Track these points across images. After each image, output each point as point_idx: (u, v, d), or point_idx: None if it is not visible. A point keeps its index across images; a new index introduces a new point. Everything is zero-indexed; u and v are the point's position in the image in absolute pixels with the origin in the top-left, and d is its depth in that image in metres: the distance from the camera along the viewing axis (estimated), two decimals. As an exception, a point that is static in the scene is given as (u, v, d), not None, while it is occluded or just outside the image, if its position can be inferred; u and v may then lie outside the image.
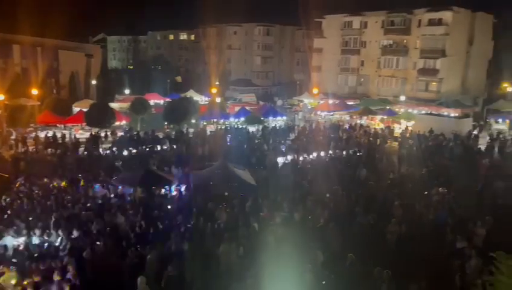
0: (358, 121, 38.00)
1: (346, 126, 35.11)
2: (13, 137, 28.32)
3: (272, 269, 9.64)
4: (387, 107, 40.63)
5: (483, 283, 4.14)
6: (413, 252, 11.41)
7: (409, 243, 12.00)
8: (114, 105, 37.93)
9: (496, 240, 10.71)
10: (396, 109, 40.59)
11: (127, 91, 55.31)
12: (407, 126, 34.06)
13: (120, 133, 29.56)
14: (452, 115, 37.21)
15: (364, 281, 9.43)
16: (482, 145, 27.87)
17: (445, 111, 38.60)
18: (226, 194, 15.40)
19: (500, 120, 37.26)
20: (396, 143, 28.62)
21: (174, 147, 25.81)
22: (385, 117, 38.06)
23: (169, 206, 14.88)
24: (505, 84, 57.42)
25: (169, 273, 9.95)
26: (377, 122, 37.86)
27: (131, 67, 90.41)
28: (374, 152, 24.14)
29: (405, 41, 49.93)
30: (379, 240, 12.34)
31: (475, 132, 31.46)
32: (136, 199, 15.84)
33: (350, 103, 45.17)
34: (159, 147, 25.77)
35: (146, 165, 19.25)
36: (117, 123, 30.97)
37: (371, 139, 28.97)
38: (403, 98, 43.01)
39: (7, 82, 37.37)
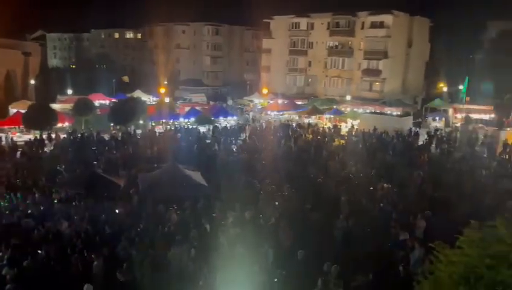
0: (307, 121, 38.88)
1: (294, 125, 35.77)
2: None
3: (225, 270, 9.62)
4: (334, 107, 41.91)
5: (423, 272, 4.37)
6: (360, 246, 11.85)
7: (356, 238, 12.44)
8: (56, 106, 36.07)
9: (434, 231, 11.39)
10: (343, 108, 41.98)
11: (69, 91, 52.80)
12: (353, 125, 35.32)
13: (63, 136, 28.20)
14: (394, 113, 39.19)
15: (315, 277, 9.65)
16: (422, 141, 29.54)
17: (388, 110, 40.59)
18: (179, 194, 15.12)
19: (437, 118, 39.69)
20: (343, 141, 29.59)
21: (121, 148, 24.99)
22: (332, 116, 39.23)
23: (117, 210, 14.38)
24: (441, 84, 61.31)
25: (118, 279, 9.64)
26: (324, 122, 38.93)
27: (74, 66, 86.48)
28: (321, 150, 24.77)
29: (350, 42, 51.78)
30: (328, 236, 12.70)
31: (415, 129, 33.24)
32: (81, 203, 15.16)
33: (299, 102, 46.13)
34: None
35: (91, 168, 18.53)
36: (59, 125, 29.48)
37: (319, 137, 29.73)
38: (348, 97, 44.60)
39: None
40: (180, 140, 27.76)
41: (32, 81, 51.82)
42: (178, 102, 48.32)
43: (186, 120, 34.54)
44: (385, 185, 16.86)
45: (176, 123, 34.53)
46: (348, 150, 25.90)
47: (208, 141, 27.76)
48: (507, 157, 25.04)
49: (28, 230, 12.46)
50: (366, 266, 10.30)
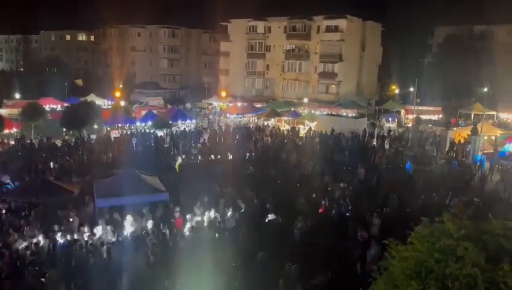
0: (266, 123, 39.16)
1: (253, 128, 35.93)
2: None
3: (185, 275, 9.49)
4: (292, 109, 42.46)
5: (378, 268, 4.51)
6: (319, 246, 12.06)
7: (315, 237, 12.66)
8: (2, 111, 34.19)
9: (389, 228, 11.81)
10: (300, 111, 42.63)
11: (17, 95, 50.15)
12: (310, 127, 35.94)
13: (11, 142, 26.75)
14: (350, 115, 40.29)
15: (276, 278, 9.72)
16: (375, 142, 30.57)
17: (343, 112, 41.67)
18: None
19: (390, 119, 41.20)
20: (301, 143, 30.02)
21: (75, 154, 24.05)
22: (290, 118, 39.74)
23: (70, 219, 13.80)
24: (393, 87, 63.87)
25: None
26: (283, 124, 39.38)
27: (22, 69, 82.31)
28: (280, 152, 25.04)
29: (306, 46, 52.76)
30: (288, 237, 12.84)
31: (369, 130, 34.33)
32: (31, 213, 14.43)
33: (258, 105, 46.34)
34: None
35: (42, 175, 17.68)
36: (6, 131, 27.91)
37: (277, 140, 30.03)
38: (306, 100, 45.38)
39: None
40: (137, 145, 27.11)
41: (-24, 85, 48.82)
42: (134, 106, 47.13)
43: (143, 124, 33.73)
44: (342, 185, 17.28)
45: (132, 127, 33.65)
46: (306, 151, 26.33)
47: (166, 145, 27.30)
48: (453, 155, 26.43)
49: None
50: (325, 265, 10.50)
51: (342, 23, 49.60)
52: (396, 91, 62.37)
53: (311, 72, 52.48)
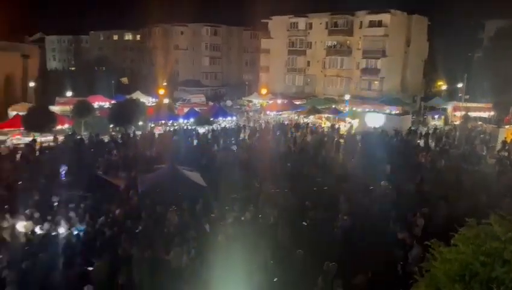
0: (306, 120, 38.93)
1: (294, 125, 35.81)
2: None
3: (224, 270, 9.65)
4: (333, 106, 41.95)
5: (420, 270, 4.41)
6: (360, 245, 11.88)
7: (356, 236, 12.47)
8: (55, 108, 36.09)
9: (433, 229, 11.43)
10: (342, 108, 42.03)
11: (69, 93, 52.80)
12: (351, 124, 35.34)
13: (62, 138, 28.21)
14: (393, 112, 39.20)
15: (314, 276, 9.68)
16: (420, 140, 29.57)
17: (386, 109, 40.60)
18: (179, 194, 15.12)
19: (436, 116, 39.73)
20: (342, 140, 29.61)
21: (121, 150, 25.01)
22: (331, 116, 39.27)
23: (117, 211, 14.40)
24: (440, 83, 61.35)
25: (118, 280, 9.67)
26: (323, 121, 38.98)
27: (73, 68, 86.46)
28: (320, 150, 24.81)
29: (348, 42, 51.85)
30: (327, 235, 12.72)
31: (414, 128, 33.27)
32: (80, 205, 15.18)
33: (298, 102, 46.17)
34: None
35: (91, 169, 18.56)
36: (59, 127, 29.47)
37: (317, 137, 29.76)
38: (347, 97, 44.63)
39: None
40: (179, 141, 27.78)
41: (32, 84, 51.85)
42: (177, 103, 48.38)
43: (185, 121, 34.55)
44: (384, 183, 16.88)
45: (175, 124, 34.55)
46: (347, 149, 25.92)
47: (207, 142, 27.80)
48: (506, 154, 25.07)
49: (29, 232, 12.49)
50: (366, 265, 10.33)
51: (385, 17, 48.28)
52: (443, 87, 59.84)
53: (353, 69, 51.52)
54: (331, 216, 13.63)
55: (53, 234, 12.35)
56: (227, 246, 11.25)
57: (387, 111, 39.85)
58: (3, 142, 27.30)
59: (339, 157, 23.47)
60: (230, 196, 15.52)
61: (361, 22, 50.48)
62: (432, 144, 28.14)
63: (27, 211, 14.51)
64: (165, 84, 51.77)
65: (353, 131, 32.33)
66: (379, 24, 48.66)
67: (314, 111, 40.07)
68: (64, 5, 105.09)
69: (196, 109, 38.30)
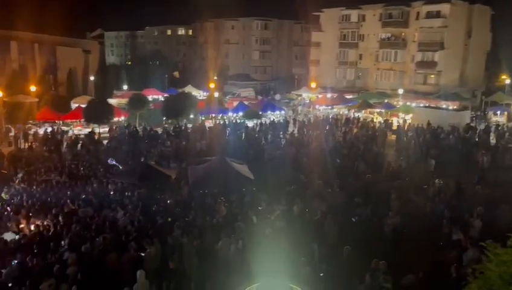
0: (357, 115, 38.08)
1: (344, 119, 35.18)
2: (12, 134, 28.36)
3: (270, 262, 9.72)
4: (386, 101, 40.72)
5: (473, 271, 4.22)
6: (411, 244, 11.52)
7: (406, 235, 12.10)
8: (112, 101, 37.89)
9: (490, 230, 10.83)
10: (395, 102, 40.69)
11: (125, 87, 55.26)
12: (405, 119, 34.12)
13: (118, 129, 29.62)
14: (450, 107, 37.33)
15: (361, 273, 9.52)
16: (479, 137, 27.95)
17: (443, 104, 38.75)
18: (228, 186, 15.41)
19: (498, 112, 37.37)
20: (394, 136, 28.69)
21: (173, 142, 25.87)
22: (383, 110, 38.13)
23: (168, 201, 14.96)
24: (504, 76, 57.42)
25: (168, 266, 10.06)
26: (375, 116, 37.94)
27: (129, 62, 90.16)
28: (371, 145, 24.21)
29: (403, 34, 49.91)
30: (376, 232, 12.44)
31: (473, 125, 31.52)
32: (134, 193, 15.91)
33: (348, 96, 45.23)
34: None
35: (145, 160, 19.35)
36: (115, 119, 30.98)
37: (369, 132, 29.05)
38: (401, 91, 43.10)
39: (5, 79, 37.34)
40: (229, 134, 28.23)
41: (92, 78, 54.81)
42: (227, 97, 49.09)
43: (235, 114, 35.02)
44: (437, 181, 16.18)
45: (224, 117, 35.12)
46: (400, 145, 25.09)
47: (256, 135, 28.01)
48: None
49: (87, 217, 13.30)
50: (416, 265, 10.00)
51: (444, 8, 45.83)
52: (507, 81, 56.00)
53: (408, 62, 49.53)
54: (381, 213, 13.30)
55: (109, 220, 13.03)
56: (274, 239, 11.32)
57: (444, 106, 38.02)
58: (66, 132, 29.14)
59: (390, 153, 22.77)
60: (277, 189, 15.59)
61: (417, 13, 48.30)
62: (493, 142, 26.51)
63: (86, 198, 15.49)
64: (215, 78, 52.67)
65: (406, 126, 31.19)
66: (437, 15, 46.30)
67: (366, 105, 39.07)
68: (122, 2, 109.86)
69: (245, 102, 38.67)
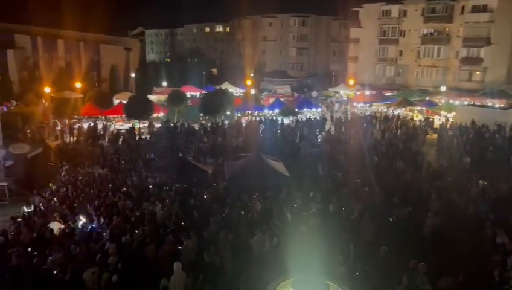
0: (396, 112, 37.10)
1: (382, 117, 34.39)
2: (58, 128, 29.73)
3: (305, 260, 9.68)
4: (427, 98, 39.43)
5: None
6: (451, 246, 11.13)
7: (446, 237, 11.70)
8: (152, 97, 38.86)
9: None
10: (437, 100, 39.33)
11: (164, 83, 56.48)
12: (447, 117, 32.91)
13: (158, 125, 30.36)
14: (497, 105, 35.61)
15: (398, 273, 9.31)
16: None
17: (489, 102, 37.04)
18: (263, 182, 15.45)
19: (549, 111, 35.21)
20: (436, 135, 27.74)
21: (210, 138, 26.23)
22: (424, 108, 36.94)
23: (205, 196, 15.20)
24: (555, 73, 54.04)
25: (204, 260, 10.23)
26: (415, 114, 36.84)
27: (169, 60, 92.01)
28: (411, 144, 23.54)
29: (447, 29, 48.05)
30: (414, 232, 12.11)
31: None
32: (172, 187, 16.29)
33: (388, 94, 44.13)
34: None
35: (182, 155, 19.74)
36: (155, 115, 31.77)
37: (408, 130, 28.25)
38: (443, 88, 41.53)
39: (52, 75, 39.18)
40: (265, 131, 28.28)
41: (133, 74, 56.48)
42: (263, 93, 49.13)
43: (271, 111, 35.02)
44: (481, 182, 15.52)
45: (260, 114, 35.21)
46: (441, 144, 24.24)
47: (291, 133, 27.91)
48: None
49: (127, 210, 13.76)
50: (457, 267, 9.66)
51: (492, 1, 43.63)
52: (561, 78, 52.73)
53: (451, 58, 47.63)
54: (420, 214, 12.93)
55: (148, 213, 13.41)
56: (310, 237, 11.26)
57: (489, 104, 36.32)
58: (108, 127, 30.21)
59: (431, 152, 22.06)
60: (313, 187, 15.48)
61: (462, 7, 46.30)
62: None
63: (126, 190, 16.02)
64: (252, 75, 52.83)
65: (449, 125, 30.07)
66: (484, 9, 44.19)
67: (406, 103, 37.99)
68: (162, 0, 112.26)
69: (281, 99, 38.60)
